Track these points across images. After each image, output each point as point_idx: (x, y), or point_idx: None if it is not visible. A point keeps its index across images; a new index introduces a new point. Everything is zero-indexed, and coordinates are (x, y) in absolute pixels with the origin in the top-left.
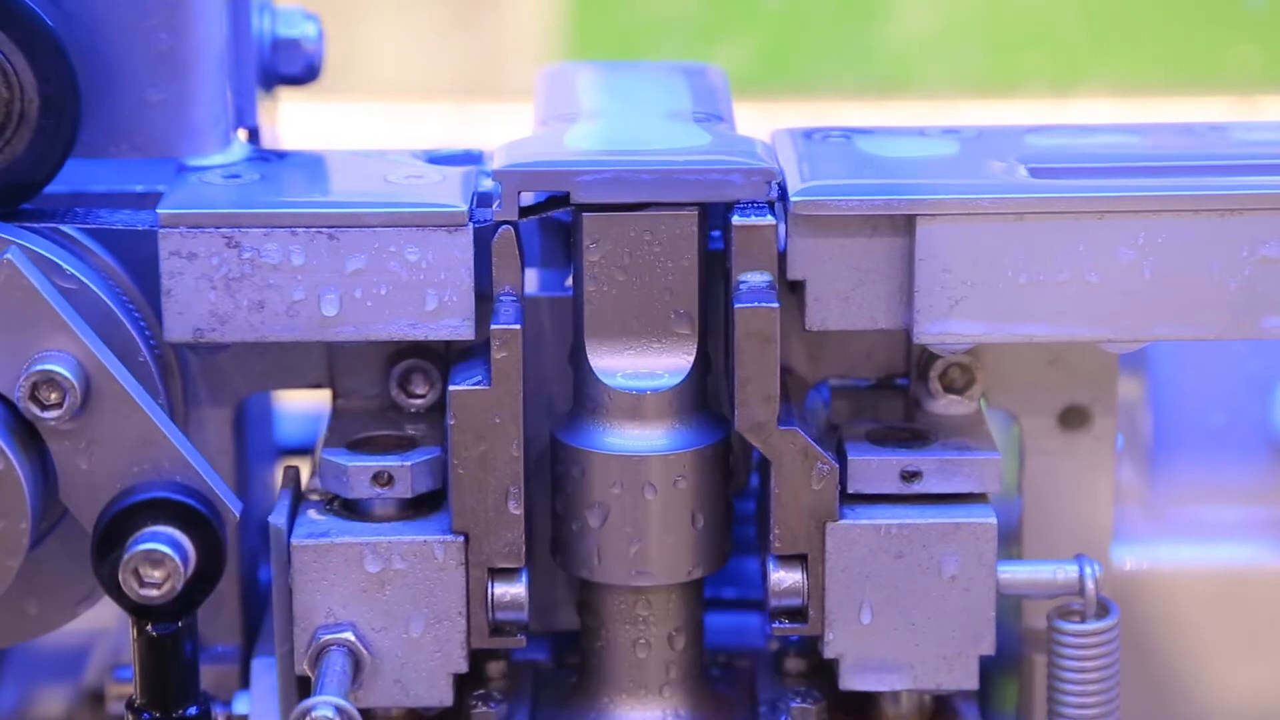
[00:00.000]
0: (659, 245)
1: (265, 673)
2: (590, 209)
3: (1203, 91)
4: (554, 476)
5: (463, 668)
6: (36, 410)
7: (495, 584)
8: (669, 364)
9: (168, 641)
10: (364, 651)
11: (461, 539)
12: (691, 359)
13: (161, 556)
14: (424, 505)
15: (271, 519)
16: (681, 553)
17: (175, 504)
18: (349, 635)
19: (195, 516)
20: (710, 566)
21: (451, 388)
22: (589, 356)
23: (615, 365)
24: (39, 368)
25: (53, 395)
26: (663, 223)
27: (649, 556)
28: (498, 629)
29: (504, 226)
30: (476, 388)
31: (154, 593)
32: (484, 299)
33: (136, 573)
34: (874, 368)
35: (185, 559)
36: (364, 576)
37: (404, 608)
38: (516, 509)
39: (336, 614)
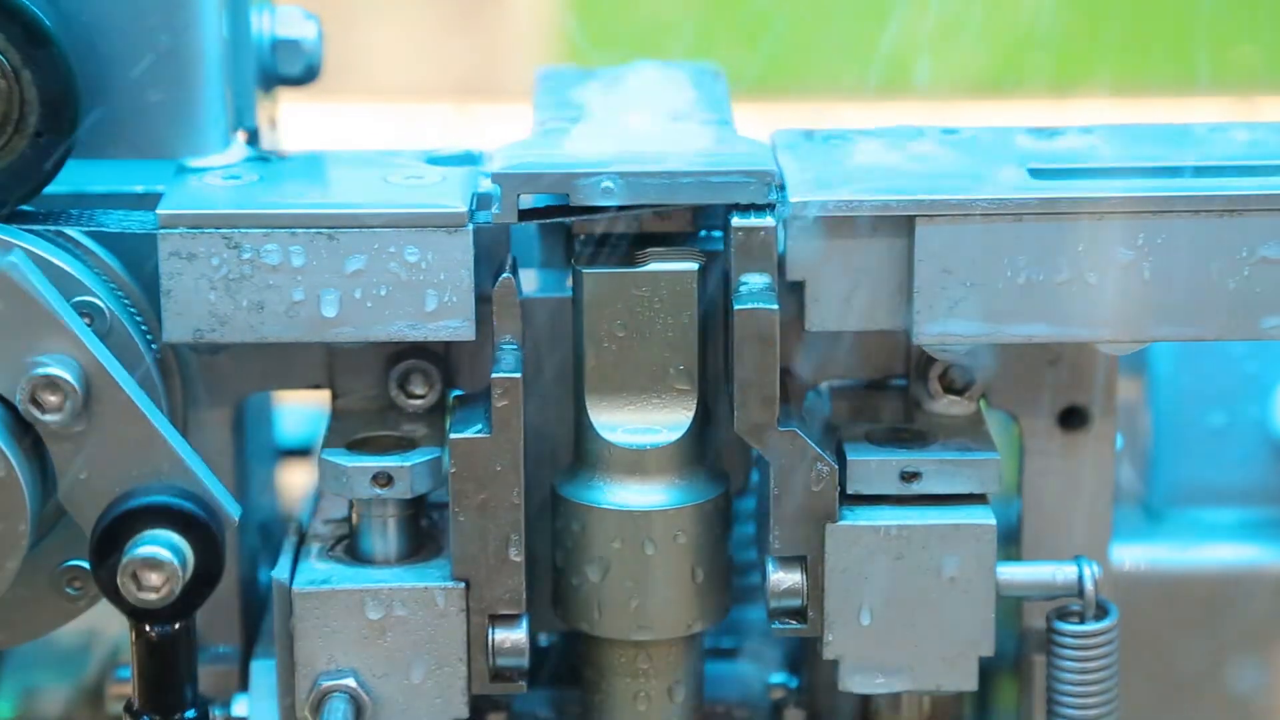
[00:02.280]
0: (658, 302)
1: (264, 675)
2: (590, 265)
3: (1202, 91)
4: (554, 531)
5: (464, 714)
6: (37, 413)
7: (496, 630)
8: (669, 420)
9: (166, 644)
10: (365, 698)
11: (462, 585)
12: (691, 414)
13: (160, 560)
14: (424, 551)
15: (275, 574)
16: (682, 607)
17: (174, 508)
18: (350, 682)
19: (194, 520)
20: (710, 620)
21: (451, 436)
22: (589, 412)
23: (615, 421)
24: (39, 371)
25: (53, 398)
26: (662, 280)
27: (649, 611)
28: (498, 675)
29: (504, 276)
30: (477, 436)
31: (152, 596)
32: (484, 300)
33: (135, 576)
34: (874, 368)
35: (183, 562)
36: (365, 623)
37: (405, 654)
38: (517, 556)
39: (338, 660)
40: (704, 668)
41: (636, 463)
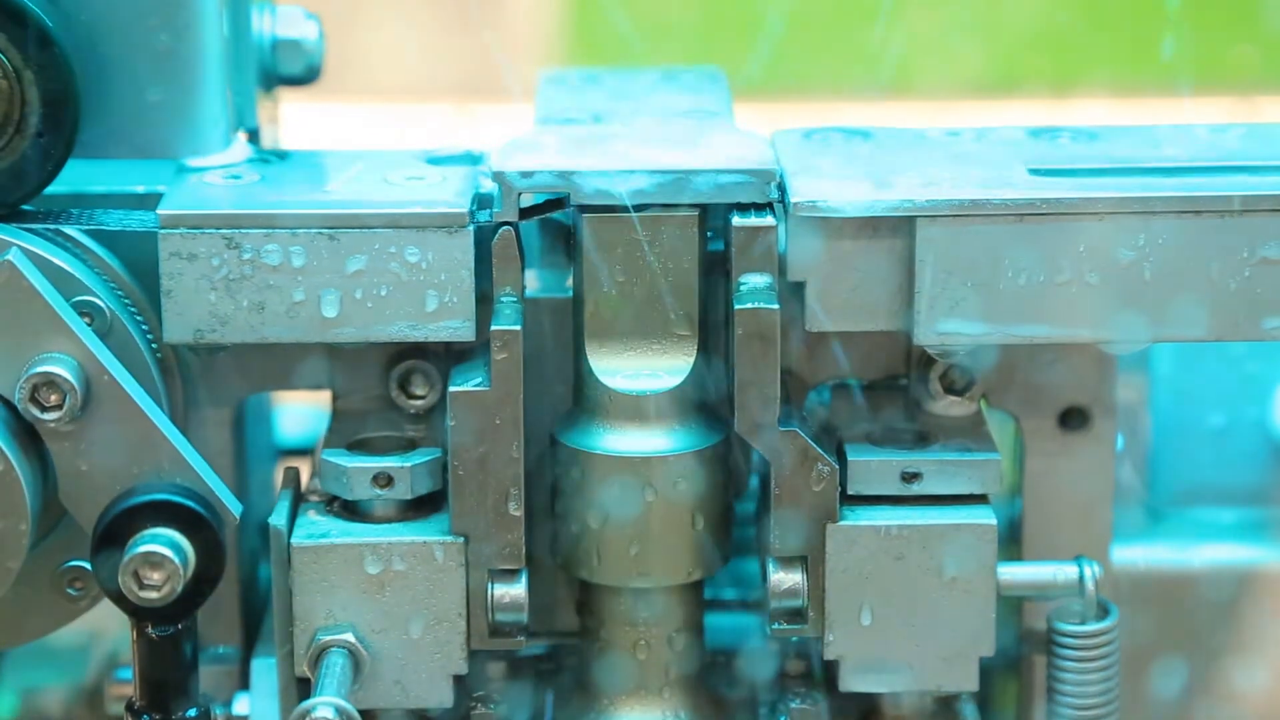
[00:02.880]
0: (659, 246)
1: (265, 674)
2: (590, 210)
3: (1203, 91)
4: (554, 478)
5: (463, 669)
6: (37, 412)
7: (495, 585)
8: (669, 365)
9: (167, 643)
10: (364, 653)
11: (461, 540)
12: (691, 360)
13: (161, 558)
14: (424, 506)
15: (271, 520)
16: (681, 554)
17: (175, 506)
18: (349, 636)
19: (195, 518)
20: (710, 568)
21: (451, 389)
22: (589, 358)
23: (615, 366)
24: (39, 369)
25: (53, 397)
26: (663, 224)
27: (649, 558)
28: (497, 630)
29: (504, 228)
30: (476, 389)
31: (153, 595)
32: (484, 300)
33: (136, 575)
34: (874, 368)
35: (185, 561)
36: (364, 578)
37: (404, 609)
38: (516, 510)
39: (336, 615)
40: (704, 617)
41: (636, 408)
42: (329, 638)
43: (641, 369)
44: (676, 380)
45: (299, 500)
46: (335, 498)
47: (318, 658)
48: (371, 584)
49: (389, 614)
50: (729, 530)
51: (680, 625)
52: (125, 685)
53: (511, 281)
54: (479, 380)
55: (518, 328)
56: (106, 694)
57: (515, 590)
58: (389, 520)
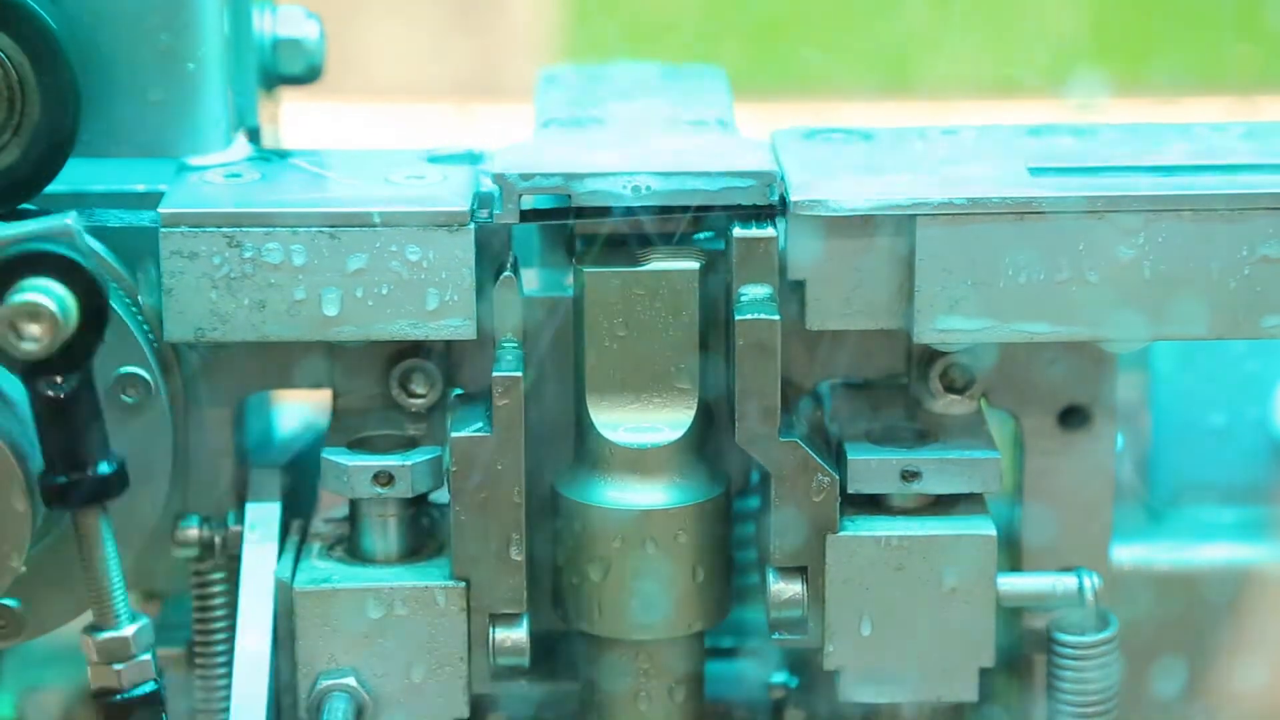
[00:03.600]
0: (660, 301)
1: (265, 480)
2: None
3: (1203, 91)
4: (555, 530)
5: (464, 713)
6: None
7: (496, 629)
8: (670, 419)
9: (65, 400)
10: (366, 697)
11: (463, 585)
12: (692, 413)
13: (38, 308)
14: (425, 550)
15: (276, 573)
16: (682, 607)
17: (49, 255)
18: (351, 681)
19: (71, 266)
20: (711, 620)
21: (453, 435)
22: (590, 411)
23: (617, 420)
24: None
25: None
26: (663, 280)
27: (650, 611)
28: (499, 674)
29: (506, 275)
30: (478, 435)
31: (34, 346)
32: (484, 298)
33: (14, 327)
34: (874, 368)
35: (65, 310)
36: (366, 622)
37: (406, 653)
38: (518, 555)
39: (338, 659)
40: (705, 667)
41: (637, 462)
42: (331, 682)
43: (643, 422)
44: (678, 434)
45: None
46: (338, 540)
47: (319, 703)
48: (374, 628)
49: (391, 658)
50: (730, 581)
51: (681, 676)
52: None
53: (512, 327)
54: (480, 425)
55: (519, 374)
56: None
57: (516, 634)
58: (390, 563)
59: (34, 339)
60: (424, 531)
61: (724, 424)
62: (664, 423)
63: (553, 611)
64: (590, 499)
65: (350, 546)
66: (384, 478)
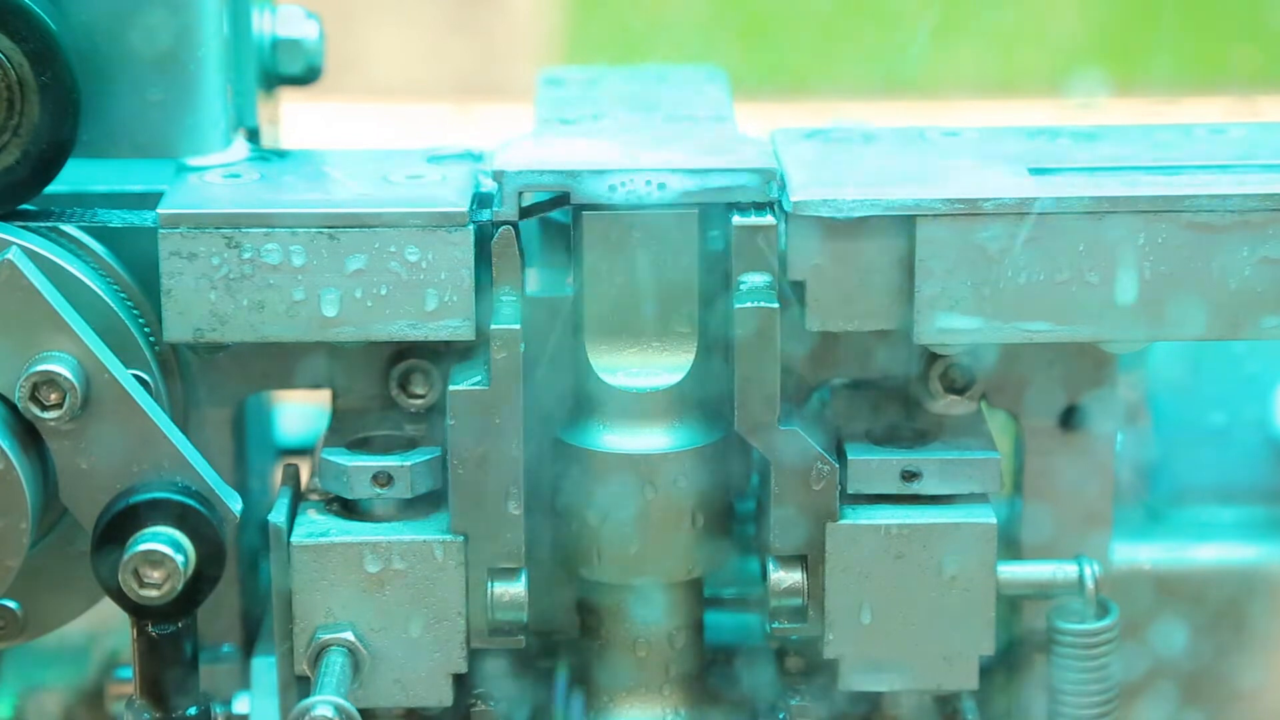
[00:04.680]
0: (658, 244)
1: (265, 672)
2: (590, 209)
3: (1203, 91)
4: (554, 475)
5: (462, 668)
6: (37, 411)
7: (495, 584)
8: (669, 363)
9: (167, 641)
10: (363, 651)
11: (461, 539)
12: (691, 358)
13: (161, 557)
14: (423, 505)
15: (271, 518)
16: (681, 552)
17: (175, 504)
18: (348, 635)
19: (195, 517)
20: (710, 566)
21: (451, 388)
22: (589, 355)
23: (615, 364)
24: (39, 368)
25: (53, 395)
26: (662, 222)
27: (648, 555)
28: (497, 629)
29: (504, 226)
30: (476, 388)
31: (154, 593)
32: (484, 298)
33: (136, 573)
34: (874, 368)
35: (185, 559)
36: (363, 576)
37: (403, 608)
38: (516, 509)
39: (336, 614)
40: (704, 615)
41: (636, 406)
42: (328, 636)
43: (641, 366)
44: (676, 378)
45: (299, 498)
46: (336, 496)
47: (317, 656)
48: (371, 582)
49: (388, 613)
50: (729, 528)
51: (680, 623)
52: (125, 684)
53: (511, 280)
54: (478, 379)
55: (517, 326)
56: (107, 694)
57: (515, 589)
58: (389, 519)
59: (154, 585)
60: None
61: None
62: (663, 366)
63: (552, 557)
64: (589, 443)
65: (347, 500)
66: (383, 478)
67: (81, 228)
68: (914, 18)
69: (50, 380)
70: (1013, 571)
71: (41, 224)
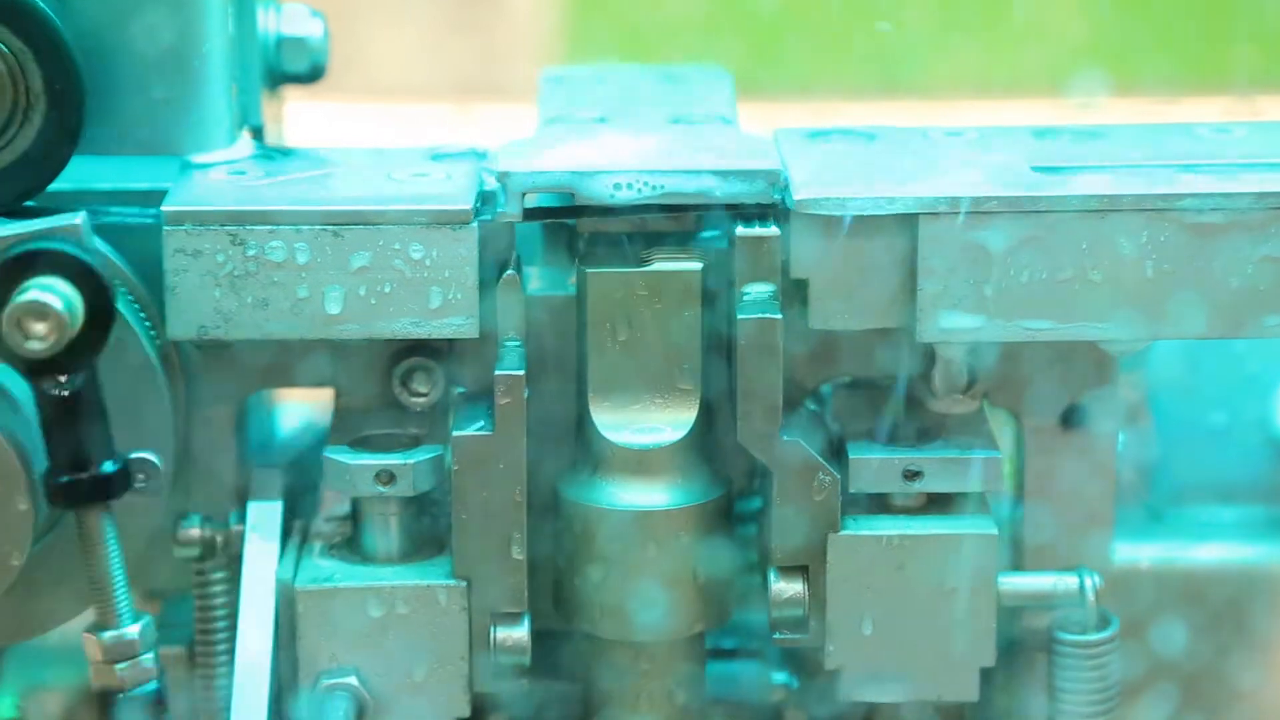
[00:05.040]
0: (662, 302)
1: (267, 479)
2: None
3: (1203, 91)
4: (556, 530)
5: (465, 712)
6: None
7: (498, 628)
8: (672, 419)
9: (69, 399)
10: (366, 696)
11: (464, 584)
12: (694, 414)
13: (44, 307)
14: (428, 549)
15: (278, 574)
16: (683, 608)
17: (56, 253)
18: (352, 680)
19: (78, 265)
20: (712, 621)
21: (454, 434)
22: (592, 412)
23: (618, 421)
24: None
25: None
26: (666, 280)
27: (651, 612)
28: (500, 673)
29: (509, 273)
30: (479, 434)
31: (39, 345)
32: (488, 296)
33: (20, 325)
34: (876, 366)
35: (71, 309)
36: (367, 621)
37: (407, 652)
38: (519, 554)
39: (340, 658)
40: (705, 668)
41: (639, 462)
42: (332, 681)
43: (644, 423)
44: (679, 434)
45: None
46: (340, 539)
47: (321, 702)
48: (375, 627)
49: (392, 657)
50: (732, 583)
51: (682, 678)
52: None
53: (515, 326)
54: (481, 424)
55: (521, 373)
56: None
57: (518, 633)
58: (392, 562)
59: (40, 338)
60: (425, 530)
61: (727, 424)
62: (666, 423)
63: (554, 611)
64: (592, 500)
65: (352, 545)
66: (386, 476)
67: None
68: (914, 18)
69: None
70: (1013, 583)
71: None
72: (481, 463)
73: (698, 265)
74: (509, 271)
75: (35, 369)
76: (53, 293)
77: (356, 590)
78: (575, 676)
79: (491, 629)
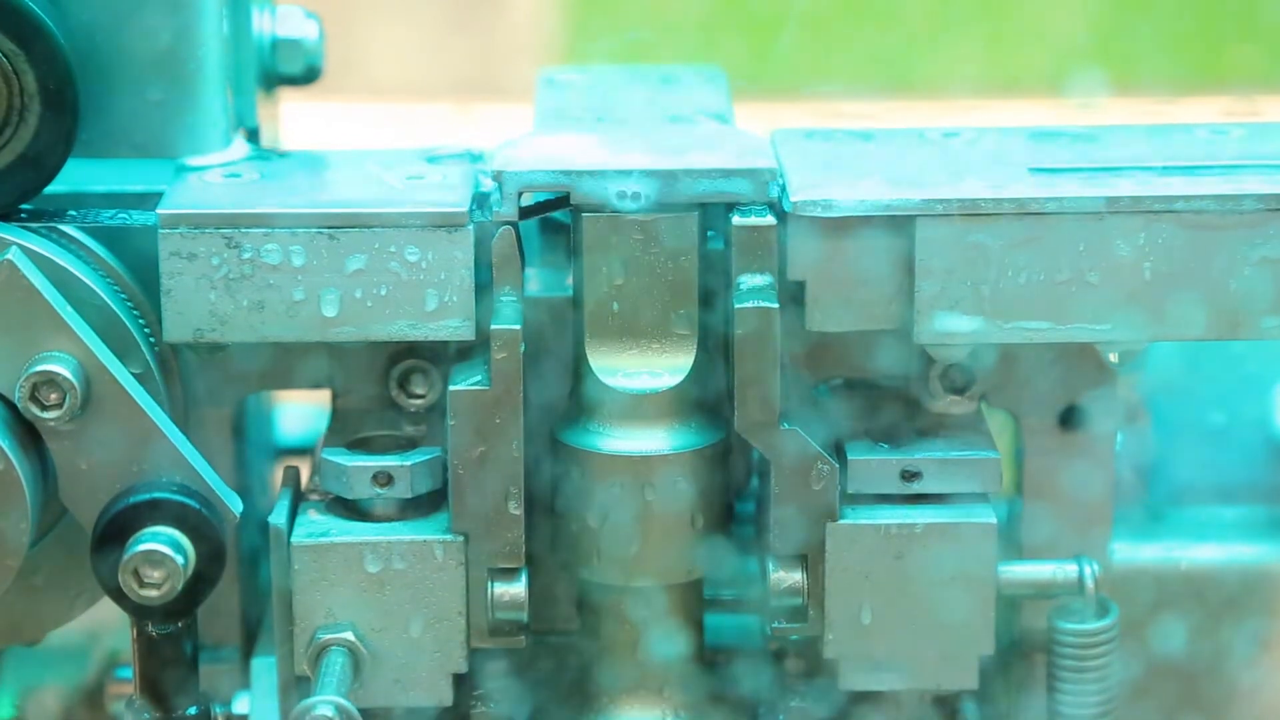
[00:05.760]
0: (658, 247)
1: (265, 673)
2: (590, 210)
3: (1203, 91)
4: (554, 476)
5: (462, 668)
6: (37, 411)
7: (495, 584)
8: (669, 364)
9: (167, 641)
10: (363, 651)
11: (461, 539)
12: (691, 359)
13: (161, 557)
14: (424, 505)
15: (271, 519)
16: (681, 553)
17: (174, 504)
18: (349, 635)
19: (195, 516)
20: (711, 567)
21: (451, 388)
22: (589, 357)
23: (615, 366)
24: (39, 368)
25: (53, 395)
26: (662, 224)
27: (648, 557)
28: (497, 629)
29: (504, 227)
30: (476, 388)
31: (154, 593)
32: (484, 298)
33: (136, 573)
34: (874, 368)
35: (185, 559)
36: (364, 576)
37: (404, 607)
38: (516, 509)
39: (336, 614)
40: (704, 615)
41: (636, 407)
42: (329, 636)
43: (641, 368)
44: (676, 379)
45: (299, 499)
46: (336, 496)
47: (317, 656)
48: (371, 582)
49: (389, 612)
50: (729, 529)
51: (680, 624)
52: (125, 685)
53: (511, 281)
54: (478, 379)
55: (517, 327)
56: (106, 694)
57: (515, 589)
58: (389, 519)
59: (154, 585)
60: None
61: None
62: (662, 368)
63: (551, 556)
64: (588, 445)
65: (348, 500)
66: (383, 478)
67: (81, 228)
68: (915, 17)
69: (50, 380)
70: (1013, 571)
71: (41, 224)
72: (479, 417)
73: (694, 211)
74: (504, 227)
75: (143, 612)
76: (167, 543)
77: (353, 545)
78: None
79: (489, 584)
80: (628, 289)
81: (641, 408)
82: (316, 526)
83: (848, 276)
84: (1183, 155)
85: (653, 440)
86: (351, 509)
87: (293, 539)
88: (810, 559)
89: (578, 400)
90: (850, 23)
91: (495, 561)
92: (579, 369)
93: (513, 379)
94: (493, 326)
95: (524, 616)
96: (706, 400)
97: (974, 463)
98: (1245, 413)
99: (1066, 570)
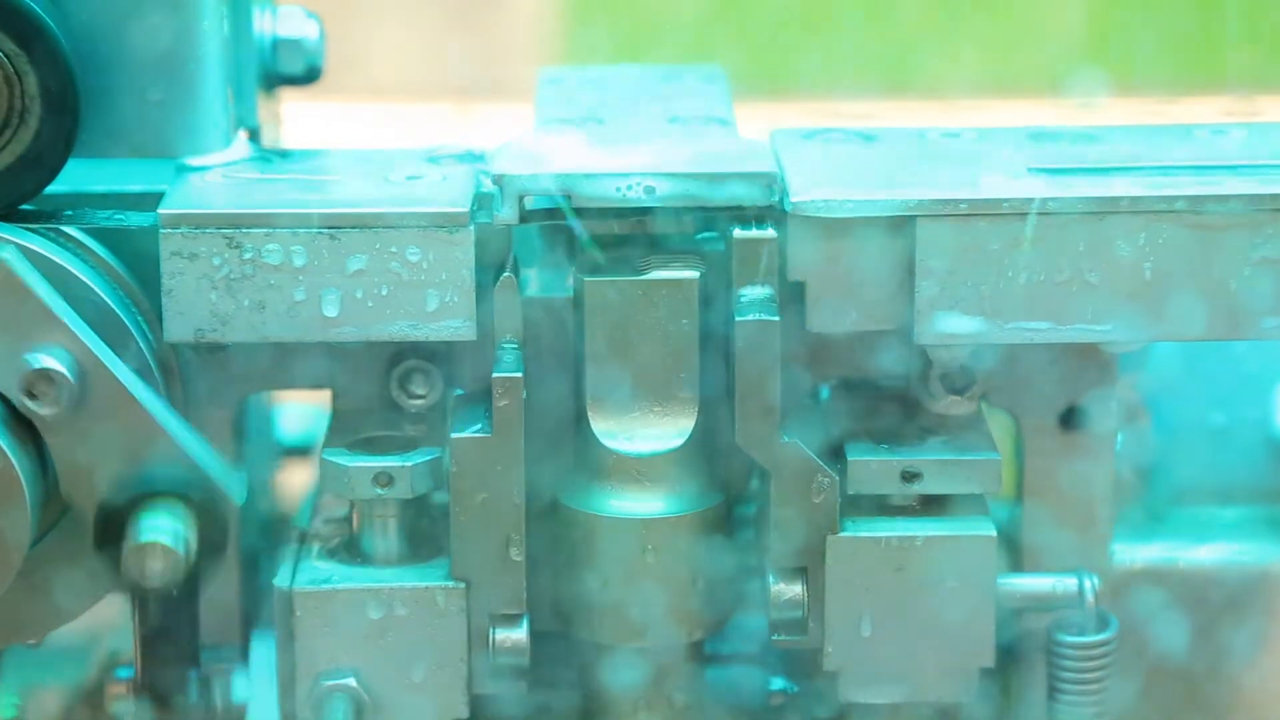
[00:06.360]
0: (660, 310)
1: (263, 648)
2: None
3: (1203, 91)
4: (555, 537)
5: (464, 713)
6: (33, 406)
7: (497, 630)
8: (670, 427)
9: (170, 615)
10: (365, 698)
11: (463, 586)
12: (693, 422)
13: (161, 546)
14: (426, 550)
15: (276, 582)
16: (682, 615)
17: (174, 493)
18: (351, 681)
19: (194, 504)
20: (711, 629)
21: (453, 435)
22: (590, 420)
23: (617, 429)
24: (34, 365)
25: (49, 390)
26: (663, 288)
27: (649, 619)
28: (499, 675)
29: (505, 274)
30: (478, 435)
31: (156, 582)
32: (485, 299)
33: (139, 563)
34: (874, 368)
35: (185, 547)
36: (366, 623)
37: (406, 654)
38: (518, 556)
39: (339, 660)
40: (704, 674)
41: (638, 470)
42: (331, 683)
43: (643, 431)
44: (678, 442)
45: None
46: (338, 541)
47: (320, 703)
48: (374, 629)
49: (391, 659)
50: (731, 589)
51: (681, 684)
52: (125, 684)
53: (512, 328)
54: (480, 426)
55: (519, 375)
56: (106, 694)
57: (517, 635)
58: (390, 564)
59: (156, 575)
60: (424, 532)
61: (725, 430)
62: (664, 431)
63: (553, 618)
64: (590, 507)
65: (350, 547)
66: (384, 479)
67: (82, 228)
68: (915, 17)
69: (45, 375)
70: (1012, 584)
71: (42, 224)
72: (480, 464)
73: (695, 274)
74: (506, 274)
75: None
76: (166, 532)
77: (355, 591)
78: (573, 684)
79: (490, 630)
80: (629, 352)
81: (642, 470)
82: (318, 573)
83: (848, 277)
84: (1183, 155)
85: (653, 503)
86: (354, 553)
87: (295, 585)
88: (810, 571)
89: (579, 460)
90: (850, 22)
91: (497, 608)
92: (581, 430)
93: (514, 426)
94: (494, 374)
95: (525, 662)
96: (708, 462)
97: (974, 463)
98: (1245, 413)
99: (1066, 583)
